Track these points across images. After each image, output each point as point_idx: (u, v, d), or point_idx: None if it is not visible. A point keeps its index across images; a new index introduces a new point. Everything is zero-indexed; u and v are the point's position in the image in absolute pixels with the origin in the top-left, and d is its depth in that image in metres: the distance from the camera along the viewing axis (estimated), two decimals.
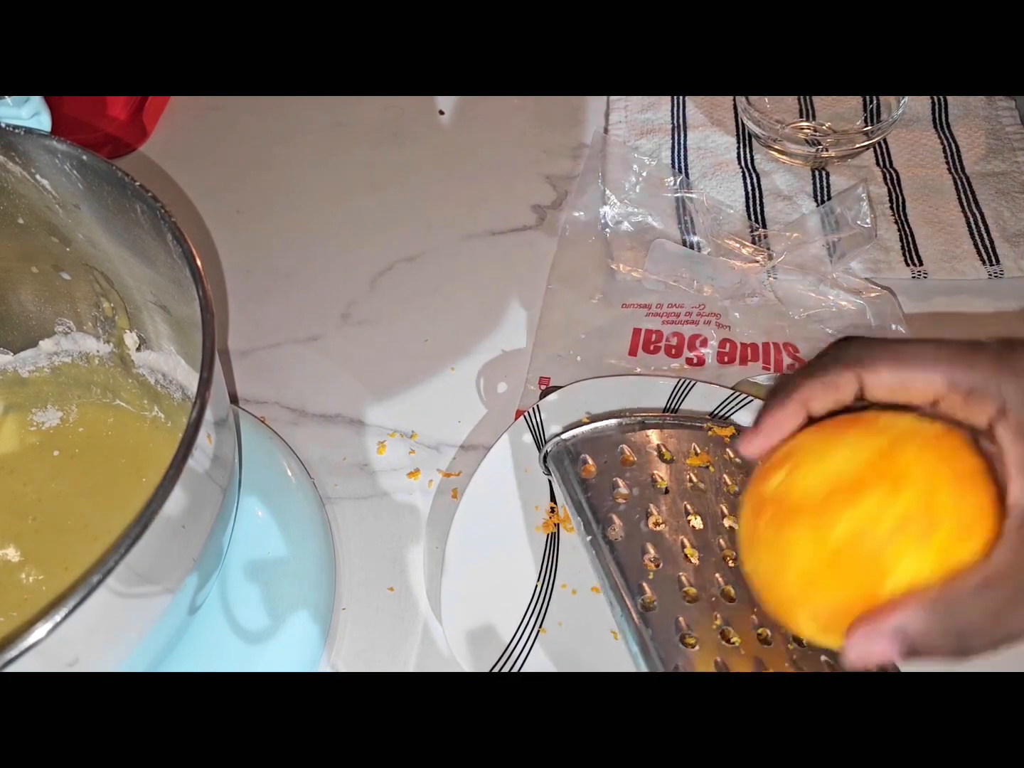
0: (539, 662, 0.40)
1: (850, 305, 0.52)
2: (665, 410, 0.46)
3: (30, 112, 0.37)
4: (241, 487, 0.41)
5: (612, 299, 0.55)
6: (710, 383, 0.48)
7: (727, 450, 0.41)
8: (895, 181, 0.58)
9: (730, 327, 0.53)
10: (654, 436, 0.40)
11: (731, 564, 0.37)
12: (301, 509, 0.46)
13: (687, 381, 0.48)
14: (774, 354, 0.51)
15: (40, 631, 0.25)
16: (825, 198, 0.58)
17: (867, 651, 0.25)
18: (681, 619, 0.35)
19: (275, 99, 0.69)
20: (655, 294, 0.55)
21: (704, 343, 0.52)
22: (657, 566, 0.37)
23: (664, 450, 0.40)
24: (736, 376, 0.50)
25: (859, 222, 0.54)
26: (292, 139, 0.67)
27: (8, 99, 0.37)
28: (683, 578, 0.36)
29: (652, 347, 0.52)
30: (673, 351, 0.52)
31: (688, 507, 0.38)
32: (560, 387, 0.49)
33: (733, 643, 0.35)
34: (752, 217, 0.58)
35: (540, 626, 0.42)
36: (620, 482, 0.39)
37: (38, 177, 0.38)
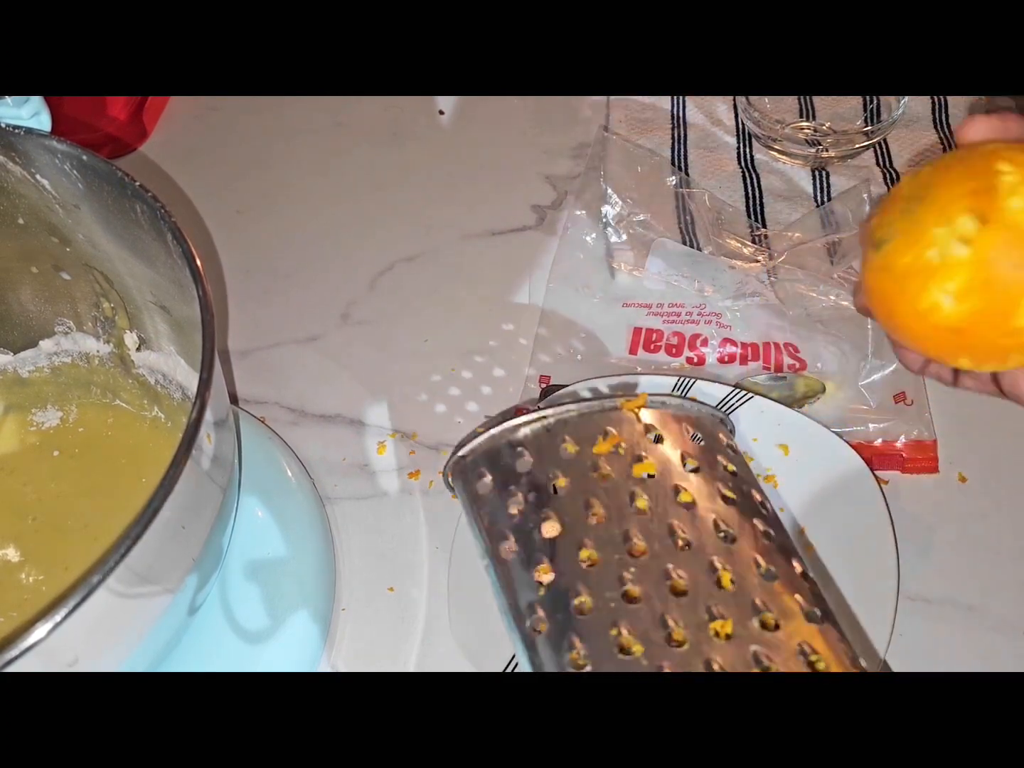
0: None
1: (851, 305, 0.52)
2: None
3: (30, 112, 0.37)
4: (241, 487, 0.41)
5: (612, 298, 0.55)
6: (710, 380, 0.48)
7: (639, 424, 0.35)
8: (895, 181, 0.58)
9: (730, 327, 0.53)
10: (557, 430, 0.35)
11: (634, 555, 0.32)
12: (301, 509, 0.46)
13: (687, 380, 0.48)
14: (774, 354, 0.51)
15: (40, 631, 0.25)
16: (825, 198, 0.58)
17: None
18: (574, 638, 0.30)
19: (275, 99, 0.69)
20: (656, 293, 0.55)
21: (704, 342, 0.52)
22: (549, 581, 0.32)
23: (567, 442, 0.35)
24: (736, 375, 0.50)
25: (860, 222, 0.54)
26: (292, 139, 0.67)
27: (8, 99, 0.37)
28: (579, 588, 0.31)
29: (652, 346, 0.52)
30: (673, 350, 0.52)
31: (590, 502, 0.33)
32: (561, 386, 0.49)
33: (632, 653, 0.30)
34: (753, 217, 0.58)
35: None
36: (514, 489, 0.34)
37: (38, 177, 0.38)
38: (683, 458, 0.35)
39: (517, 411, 0.50)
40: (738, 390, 0.47)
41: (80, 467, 0.46)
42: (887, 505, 0.43)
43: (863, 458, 0.44)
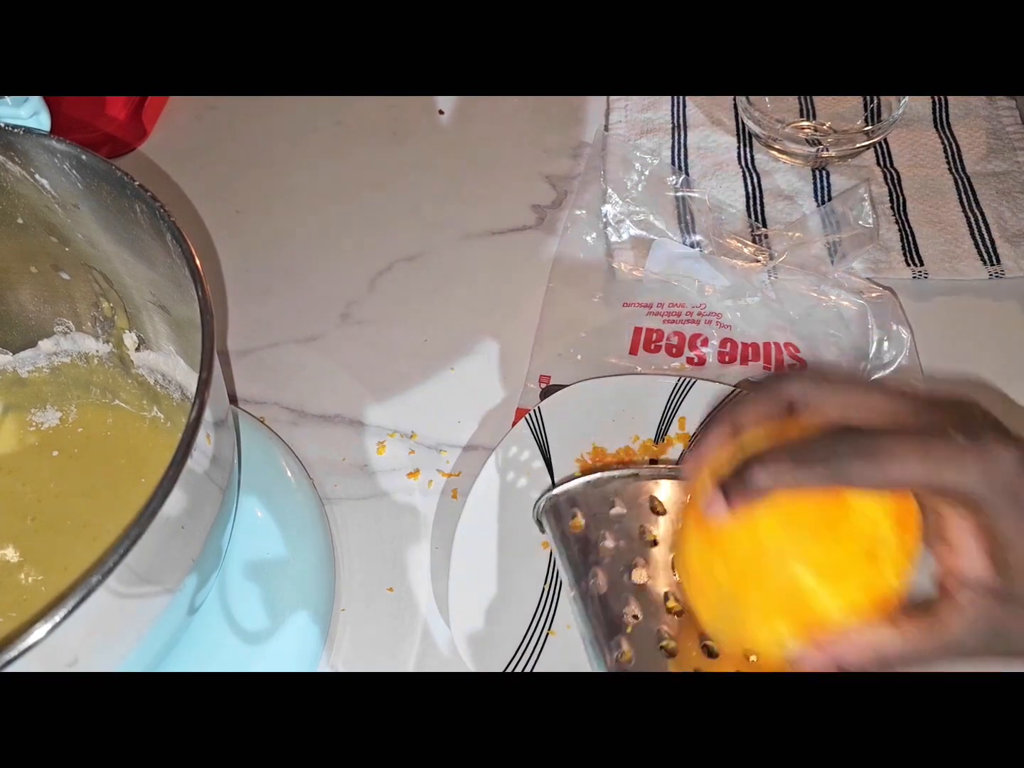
0: (549, 664, 0.40)
1: (851, 305, 0.52)
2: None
3: (29, 112, 0.37)
4: (240, 487, 0.41)
5: (613, 298, 0.55)
6: (711, 380, 0.48)
7: None
8: (896, 181, 0.58)
9: (731, 326, 0.53)
10: (648, 487, 0.39)
11: (711, 654, 0.35)
12: (301, 509, 0.46)
13: (687, 380, 0.47)
14: (775, 353, 0.51)
15: (40, 631, 0.25)
16: (826, 198, 0.58)
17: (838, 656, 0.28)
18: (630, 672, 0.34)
19: (275, 99, 0.69)
20: (656, 293, 0.55)
21: (705, 342, 0.52)
22: (637, 620, 0.36)
23: (656, 502, 0.39)
24: (737, 376, 0.50)
25: (861, 222, 0.54)
26: (292, 139, 0.67)
27: (8, 99, 0.37)
28: (663, 631, 0.35)
29: (653, 346, 0.52)
30: (674, 350, 0.52)
31: (675, 560, 0.37)
32: (561, 386, 0.49)
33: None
34: (753, 217, 0.58)
35: (549, 628, 0.42)
36: (607, 535, 0.38)
37: (37, 177, 0.38)
38: None
39: (518, 412, 0.50)
40: (739, 390, 0.47)
41: (79, 467, 0.46)
42: None
43: None
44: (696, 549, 0.31)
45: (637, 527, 0.38)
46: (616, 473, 0.39)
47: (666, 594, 0.36)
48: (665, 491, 0.39)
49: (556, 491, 0.40)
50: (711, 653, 0.34)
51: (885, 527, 0.28)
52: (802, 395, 0.30)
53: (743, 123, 0.62)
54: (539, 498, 0.41)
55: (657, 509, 0.39)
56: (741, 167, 0.60)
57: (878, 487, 0.27)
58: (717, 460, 0.30)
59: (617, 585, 0.37)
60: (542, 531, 0.42)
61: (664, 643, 0.35)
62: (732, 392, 0.47)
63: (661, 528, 0.38)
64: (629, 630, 0.35)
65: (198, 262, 0.33)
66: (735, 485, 0.28)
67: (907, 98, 0.59)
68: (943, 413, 0.27)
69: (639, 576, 0.37)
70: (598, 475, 0.39)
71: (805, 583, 0.28)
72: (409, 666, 0.43)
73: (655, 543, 0.38)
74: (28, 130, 0.37)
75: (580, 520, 0.39)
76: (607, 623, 0.36)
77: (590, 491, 0.39)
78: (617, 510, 0.39)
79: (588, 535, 0.39)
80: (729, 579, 0.29)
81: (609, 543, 0.38)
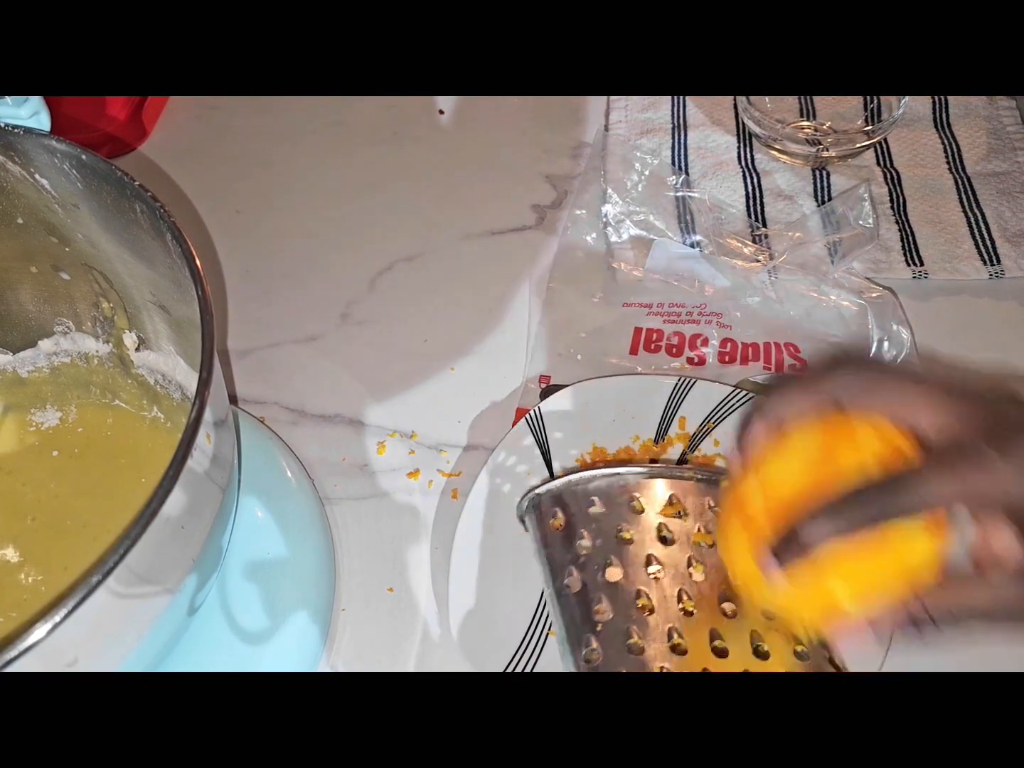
0: (549, 664, 0.40)
1: (851, 305, 0.52)
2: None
3: (29, 112, 0.37)
4: (240, 487, 0.41)
5: (613, 298, 0.55)
6: (711, 380, 0.48)
7: (708, 499, 0.39)
8: (896, 181, 0.58)
9: (731, 326, 0.53)
10: (629, 486, 0.39)
11: (688, 613, 0.35)
12: (301, 510, 0.46)
13: (688, 380, 0.47)
14: (775, 354, 0.51)
15: (40, 631, 0.25)
16: (826, 198, 0.58)
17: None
18: (623, 672, 0.34)
19: (275, 99, 0.69)
20: (656, 293, 0.55)
21: (705, 342, 0.52)
22: (607, 618, 0.35)
23: (636, 501, 0.38)
24: (737, 375, 0.50)
25: (861, 222, 0.54)
26: (292, 139, 0.67)
27: (8, 99, 0.37)
28: (632, 630, 0.35)
29: (653, 346, 0.52)
30: (674, 350, 0.52)
31: (651, 558, 0.37)
32: (561, 386, 0.49)
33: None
34: (753, 217, 0.58)
35: (549, 628, 0.42)
36: (585, 533, 0.38)
37: (37, 177, 0.38)
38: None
39: (518, 412, 0.50)
40: (738, 390, 0.47)
41: (79, 467, 0.46)
42: None
43: None
44: (742, 547, 0.31)
45: (615, 526, 0.38)
46: (598, 472, 0.39)
47: (637, 592, 0.36)
48: (646, 490, 0.39)
49: (539, 490, 0.40)
50: (720, 653, 0.34)
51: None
52: (845, 392, 0.30)
53: (743, 123, 0.62)
54: (522, 497, 0.41)
55: (636, 508, 0.38)
56: (741, 167, 0.60)
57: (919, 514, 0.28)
58: (759, 458, 0.31)
59: (591, 584, 0.36)
60: (525, 529, 0.41)
61: (632, 641, 0.34)
62: (732, 392, 0.47)
63: (639, 527, 0.38)
64: (599, 628, 0.35)
65: (198, 262, 0.33)
66: (785, 548, 0.29)
67: (907, 98, 0.59)
68: (980, 413, 0.28)
69: (612, 575, 0.36)
70: (580, 474, 0.39)
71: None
72: (409, 666, 0.43)
73: (630, 542, 0.37)
74: (28, 130, 0.37)
75: (561, 519, 0.39)
76: (578, 621, 0.36)
77: (571, 489, 0.39)
78: (597, 509, 0.38)
79: (568, 533, 0.38)
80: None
81: (586, 542, 0.37)
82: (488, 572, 0.43)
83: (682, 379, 0.48)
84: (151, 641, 0.33)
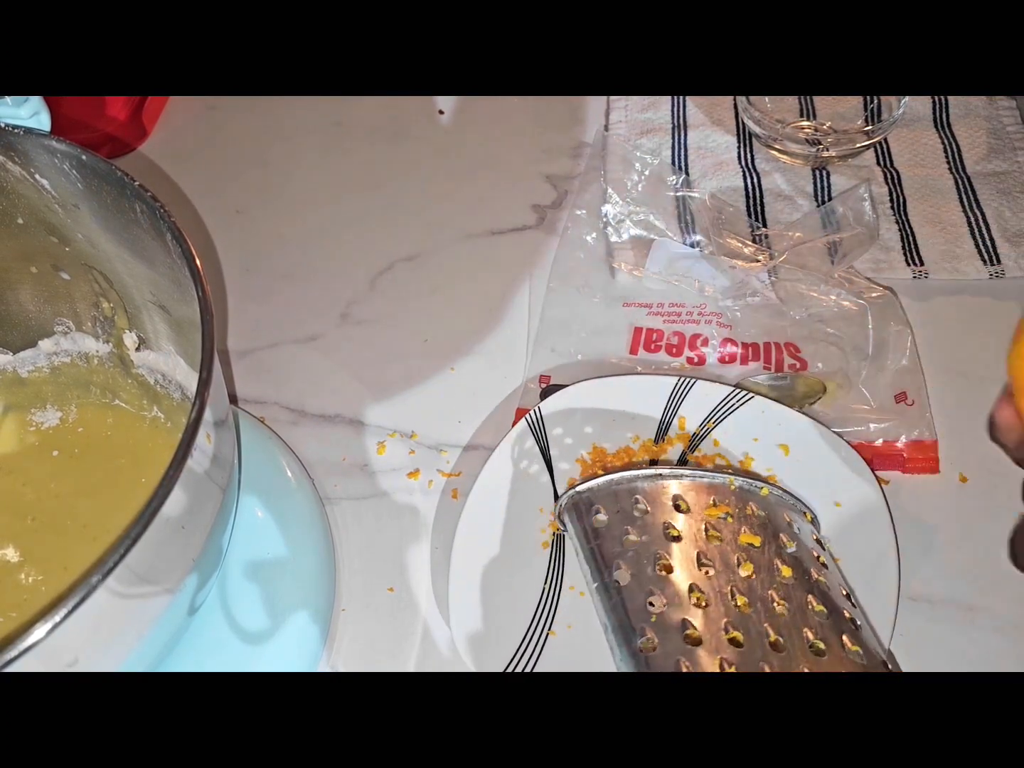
0: (549, 664, 0.40)
1: (851, 305, 0.52)
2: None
3: (30, 112, 0.37)
4: (241, 487, 0.41)
5: (613, 298, 0.55)
6: (711, 380, 0.48)
7: (749, 504, 0.40)
8: (896, 181, 0.58)
9: (731, 326, 0.53)
10: (671, 488, 0.40)
11: (742, 611, 0.36)
12: (301, 509, 0.46)
13: (687, 380, 0.47)
14: (775, 354, 0.51)
15: (40, 631, 0.25)
16: (826, 198, 0.58)
17: None
18: (682, 662, 0.34)
19: (275, 99, 0.69)
20: (656, 293, 0.55)
21: (705, 342, 0.52)
22: (661, 610, 0.36)
23: (681, 501, 0.40)
24: (737, 375, 0.50)
25: (861, 222, 0.54)
26: (291, 139, 0.67)
27: (8, 99, 0.37)
28: (687, 621, 0.35)
29: (653, 346, 0.52)
30: (674, 350, 0.52)
31: (700, 555, 0.38)
32: (560, 386, 0.49)
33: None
34: (753, 217, 0.58)
35: (549, 628, 0.42)
36: (631, 530, 0.39)
37: (37, 177, 0.38)
38: (781, 540, 0.39)
39: (518, 412, 0.50)
40: (738, 390, 0.47)
41: (79, 467, 0.46)
42: (888, 505, 0.43)
43: (864, 458, 0.44)
44: None
45: (661, 523, 0.39)
46: (640, 472, 0.40)
47: (691, 586, 0.37)
48: (689, 492, 0.40)
49: (579, 488, 0.41)
50: (737, 644, 0.35)
51: None
52: None
53: (743, 123, 0.62)
54: (562, 495, 0.42)
55: (681, 507, 0.39)
56: (741, 167, 0.60)
57: None
58: None
59: (641, 577, 0.37)
60: (564, 528, 0.42)
61: (688, 632, 0.35)
62: (732, 392, 0.47)
63: (683, 525, 0.39)
64: (653, 619, 0.36)
65: (198, 262, 0.33)
66: None
67: (907, 98, 0.59)
68: None
69: (663, 569, 0.37)
70: (621, 474, 0.40)
71: None
72: (409, 666, 0.43)
73: (679, 539, 0.38)
74: (28, 130, 0.37)
75: (603, 516, 0.40)
76: (631, 613, 0.36)
77: (614, 488, 0.40)
78: (641, 506, 0.39)
79: (611, 531, 0.39)
80: None
81: (633, 536, 0.38)
82: (488, 572, 0.43)
83: (682, 379, 0.48)
84: (151, 641, 0.33)
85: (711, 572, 0.37)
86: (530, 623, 0.42)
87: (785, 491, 0.42)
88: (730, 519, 0.39)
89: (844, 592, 0.39)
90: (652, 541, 0.38)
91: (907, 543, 0.43)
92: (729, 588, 0.37)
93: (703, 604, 0.36)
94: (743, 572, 0.37)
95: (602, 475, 0.41)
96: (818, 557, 0.40)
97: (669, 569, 0.37)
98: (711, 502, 0.40)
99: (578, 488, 0.41)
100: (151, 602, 0.32)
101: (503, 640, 0.41)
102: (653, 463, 0.46)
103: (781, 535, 0.39)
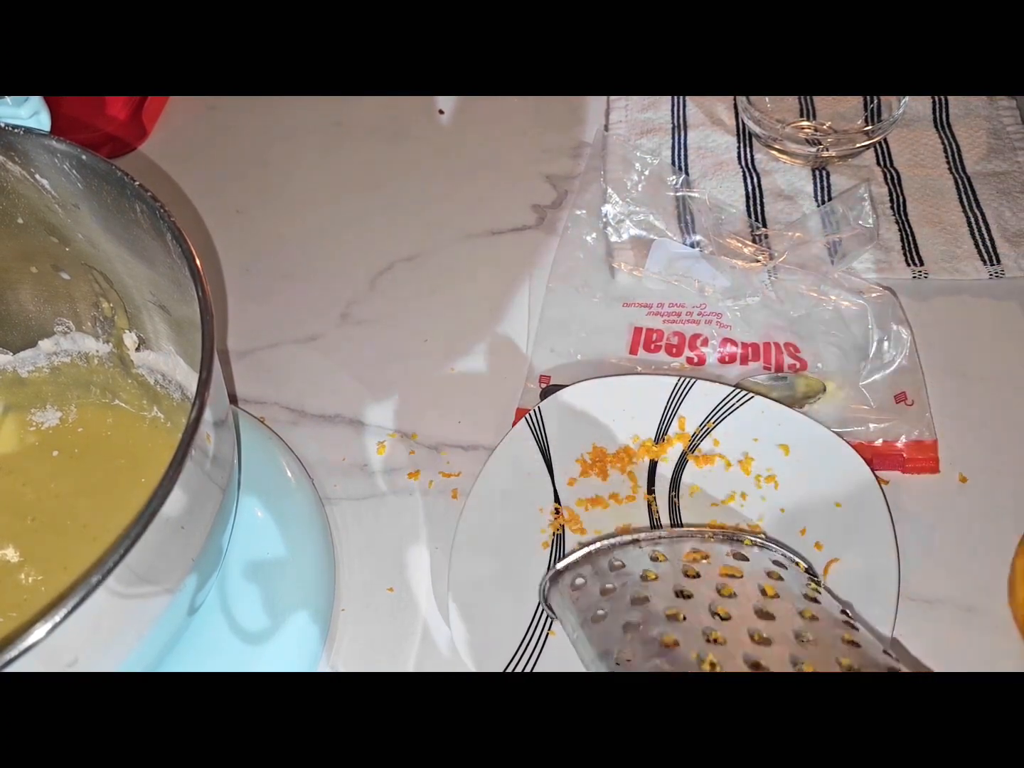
0: (549, 664, 0.40)
1: (851, 305, 0.52)
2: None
3: (29, 112, 0.37)
4: (240, 487, 0.41)
5: (613, 298, 0.55)
6: (711, 380, 0.48)
7: (727, 547, 0.39)
8: (896, 181, 0.58)
9: (731, 326, 0.53)
10: (648, 547, 0.39)
11: (717, 642, 0.34)
12: (301, 509, 0.46)
13: (687, 380, 0.47)
14: (775, 354, 0.51)
15: (39, 631, 0.25)
16: (826, 198, 0.58)
17: None
18: (661, 664, 0.33)
19: (275, 99, 0.69)
20: (656, 293, 0.55)
21: (705, 342, 0.52)
22: (638, 628, 0.34)
23: (657, 554, 0.38)
24: (737, 375, 0.50)
25: (861, 222, 0.54)
26: (291, 139, 0.67)
27: (8, 99, 0.37)
28: (665, 632, 0.34)
29: (653, 346, 0.52)
30: (674, 350, 0.52)
31: (680, 590, 0.36)
32: (560, 386, 0.49)
33: None
34: (753, 217, 0.58)
35: (549, 628, 0.42)
36: (608, 585, 0.37)
37: (37, 177, 0.38)
38: (762, 592, 0.37)
39: (518, 412, 0.50)
40: (738, 390, 0.47)
41: (79, 467, 0.46)
42: (888, 505, 0.43)
43: (864, 458, 0.44)
44: None
45: (639, 572, 0.37)
46: (616, 541, 0.39)
47: (667, 608, 0.35)
48: (667, 548, 0.39)
49: (558, 566, 0.39)
50: (718, 642, 0.33)
51: None
52: None
53: (743, 123, 0.62)
54: (543, 578, 0.40)
55: (659, 559, 0.38)
56: (741, 167, 0.60)
57: None
58: None
59: (619, 608, 0.36)
60: (553, 614, 0.40)
61: (664, 639, 0.33)
62: (732, 392, 0.47)
63: (660, 570, 0.37)
64: (630, 637, 0.34)
65: (198, 262, 0.33)
66: None
67: (907, 98, 0.59)
68: None
69: (640, 601, 0.35)
70: (596, 544, 0.39)
71: None
72: (409, 666, 0.43)
73: (656, 578, 0.37)
74: (28, 130, 0.37)
75: (580, 580, 0.38)
76: (605, 636, 0.35)
77: (591, 558, 0.39)
78: (617, 563, 0.38)
79: (589, 587, 0.38)
80: None
81: (610, 584, 0.37)
82: (488, 572, 0.43)
83: (682, 379, 0.48)
84: (151, 641, 0.33)
85: (691, 597, 0.35)
86: (530, 623, 0.42)
87: (771, 541, 0.40)
88: (709, 559, 0.38)
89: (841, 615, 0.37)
90: (629, 584, 0.37)
91: (907, 543, 0.43)
92: (708, 604, 0.35)
93: (681, 618, 0.34)
94: (724, 593, 0.36)
95: (577, 550, 0.39)
96: (802, 612, 0.37)
97: (645, 600, 0.36)
98: (691, 550, 0.38)
99: (557, 567, 0.39)
100: (151, 602, 0.32)
101: (503, 640, 0.41)
102: (651, 468, 0.46)
103: (765, 571, 0.38)
